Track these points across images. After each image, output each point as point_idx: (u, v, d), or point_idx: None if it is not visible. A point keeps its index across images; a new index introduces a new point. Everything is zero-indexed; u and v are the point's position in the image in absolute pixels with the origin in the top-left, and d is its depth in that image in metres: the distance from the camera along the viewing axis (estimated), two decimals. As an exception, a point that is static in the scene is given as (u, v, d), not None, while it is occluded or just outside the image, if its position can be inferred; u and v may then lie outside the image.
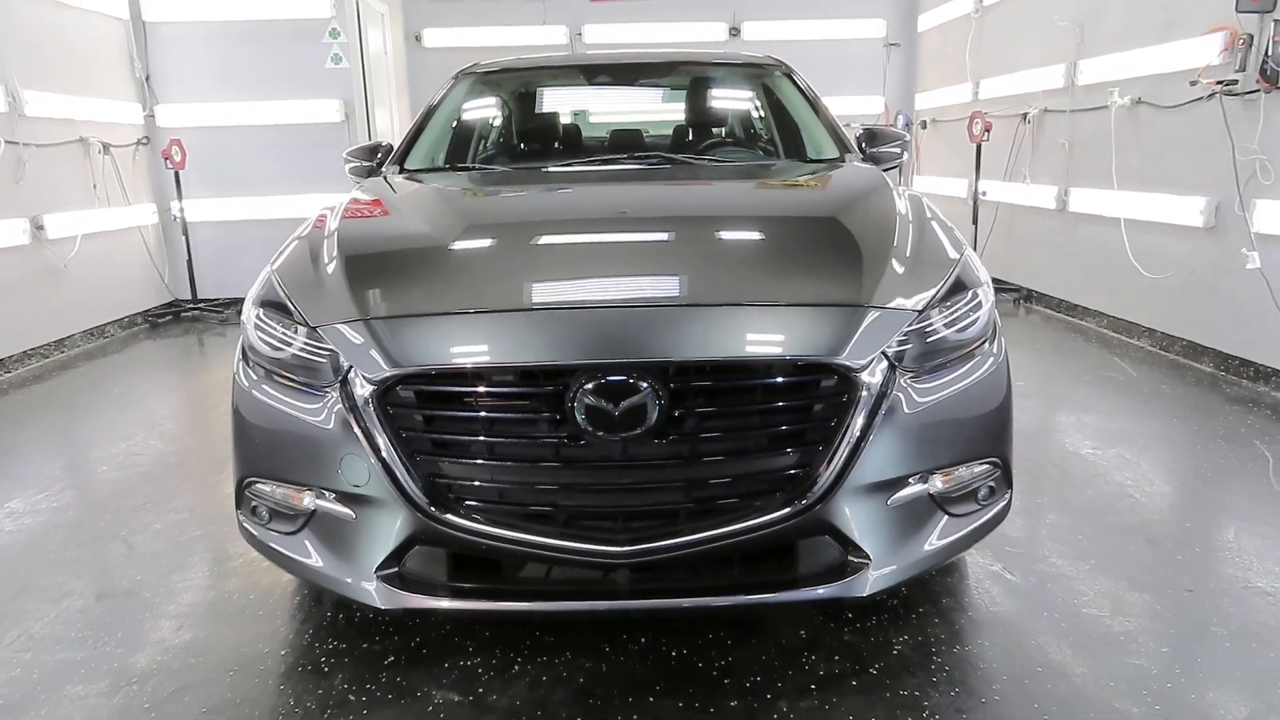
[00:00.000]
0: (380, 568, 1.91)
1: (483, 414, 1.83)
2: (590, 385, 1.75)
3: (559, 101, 4.21)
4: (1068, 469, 3.27)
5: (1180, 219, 4.66)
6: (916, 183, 8.69)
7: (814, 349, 1.83)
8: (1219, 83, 4.19)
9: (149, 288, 6.79)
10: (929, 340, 1.98)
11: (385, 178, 3.20)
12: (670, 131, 3.99)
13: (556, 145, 3.85)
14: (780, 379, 1.83)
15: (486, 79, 3.89)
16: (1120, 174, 5.18)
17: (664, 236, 2.36)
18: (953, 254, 2.25)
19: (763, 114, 4.00)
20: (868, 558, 1.90)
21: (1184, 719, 1.87)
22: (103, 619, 2.39)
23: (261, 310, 2.12)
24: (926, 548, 1.98)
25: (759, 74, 3.92)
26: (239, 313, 7.01)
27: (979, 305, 2.11)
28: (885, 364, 1.88)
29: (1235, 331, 4.35)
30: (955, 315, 2.05)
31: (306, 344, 1.98)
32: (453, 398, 1.84)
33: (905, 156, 3.59)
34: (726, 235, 2.35)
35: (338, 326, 1.94)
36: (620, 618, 2.22)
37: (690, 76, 3.96)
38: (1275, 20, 3.92)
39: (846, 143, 3.39)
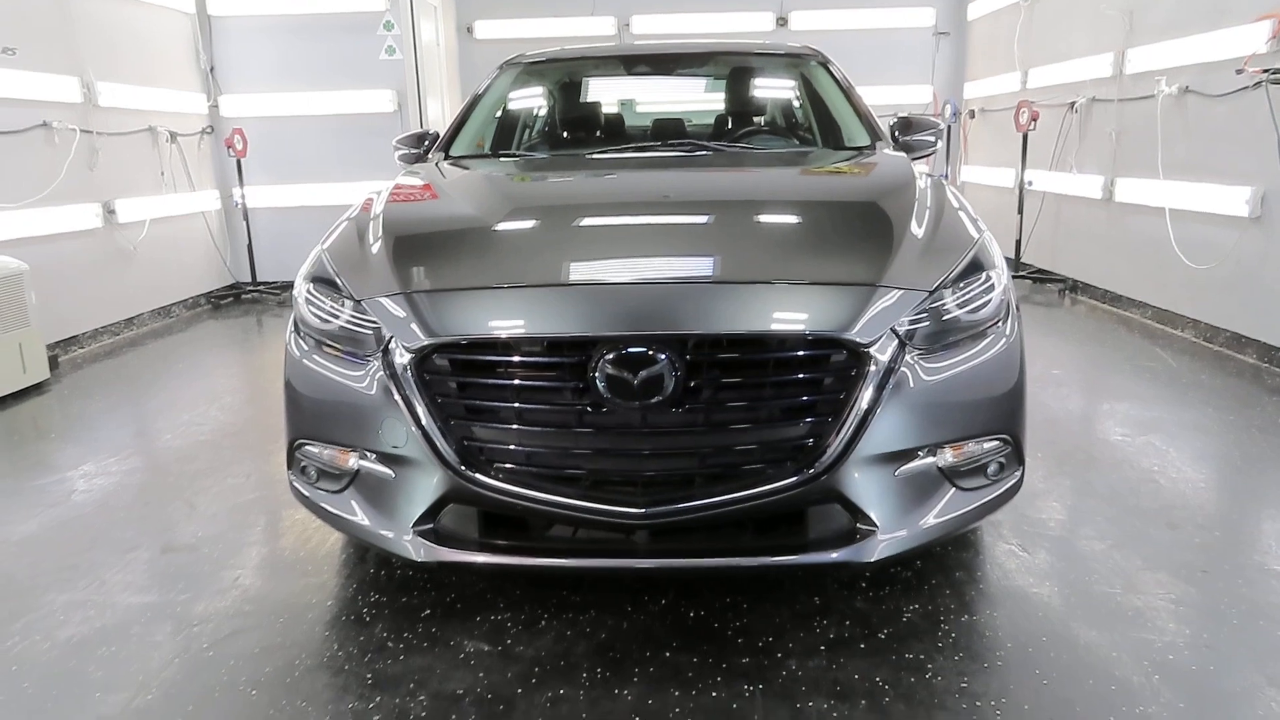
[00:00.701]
0: (417, 524, 2.05)
1: (511, 381, 1.96)
2: (611, 356, 1.87)
3: (600, 91, 4.32)
4: (1094, 454, 3.30)
5: (1225, 209, 4.61)
6: (964, 172, 8.63)
7: (825, 325, 1.92)
8: (1265, 71, 4.14)
9: (212, 270, 7.10)
10: (940, 319, 2.06)
11: (430, 164, 3.34)
12: (708, 120, 4.09)
13: (597, 133, 3.97)
14: (791, 353, 1.93)
15: (530, 69, 4.02)
16: (1166, 164, 5.13)
17: (689, 218, 2.47)
18: (969, 237, 2.32)
19: (798, 103, 4.07)
20: (875, 525, 1.99)
21: (1181, 688, 1.93)
22: (166, 570, 2.59)
23: (312, 285, 2.28)
24: (934, 519, 2.06)
25: (795, 64, 3.99)
26: (295, 295, 7.16)
27: (991, 287, 2.17)
28: (895, 341, 1.97)
29: (1279, 323, 4.30)
30: (968, 296, 2.12)
31: (352, 316, 2.13)
32: (484, 366, 1.97)
33: (939, 144, 3.65)
34: (750, 217, 2.45)
35: (380, 300, 2.09)
36: (639, 576, 2.35)
37: (728, 66, 4.05)
38: (1325, 7, 3.87)
39: (878, 131, 3.46)
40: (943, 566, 2.46)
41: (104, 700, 1.98)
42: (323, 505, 2.23)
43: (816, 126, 3.80)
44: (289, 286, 7.34)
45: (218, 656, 2.13)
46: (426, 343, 1.96)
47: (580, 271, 2.11)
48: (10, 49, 4.89)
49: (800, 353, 1.93)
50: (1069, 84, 6.34)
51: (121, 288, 5.91)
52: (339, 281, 2.23)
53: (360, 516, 2.15)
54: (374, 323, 2.08)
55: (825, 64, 3.88)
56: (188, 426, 3.89)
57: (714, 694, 1.95)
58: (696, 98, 4.49)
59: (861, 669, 2.03)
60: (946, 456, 2.07)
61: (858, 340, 1.91)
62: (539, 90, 4.14)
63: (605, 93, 4.32)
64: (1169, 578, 2.39)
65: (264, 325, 6.40)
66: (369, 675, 2.05)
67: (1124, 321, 5.56)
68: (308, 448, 2.25)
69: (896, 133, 3.53)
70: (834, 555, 1.99)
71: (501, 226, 2.45)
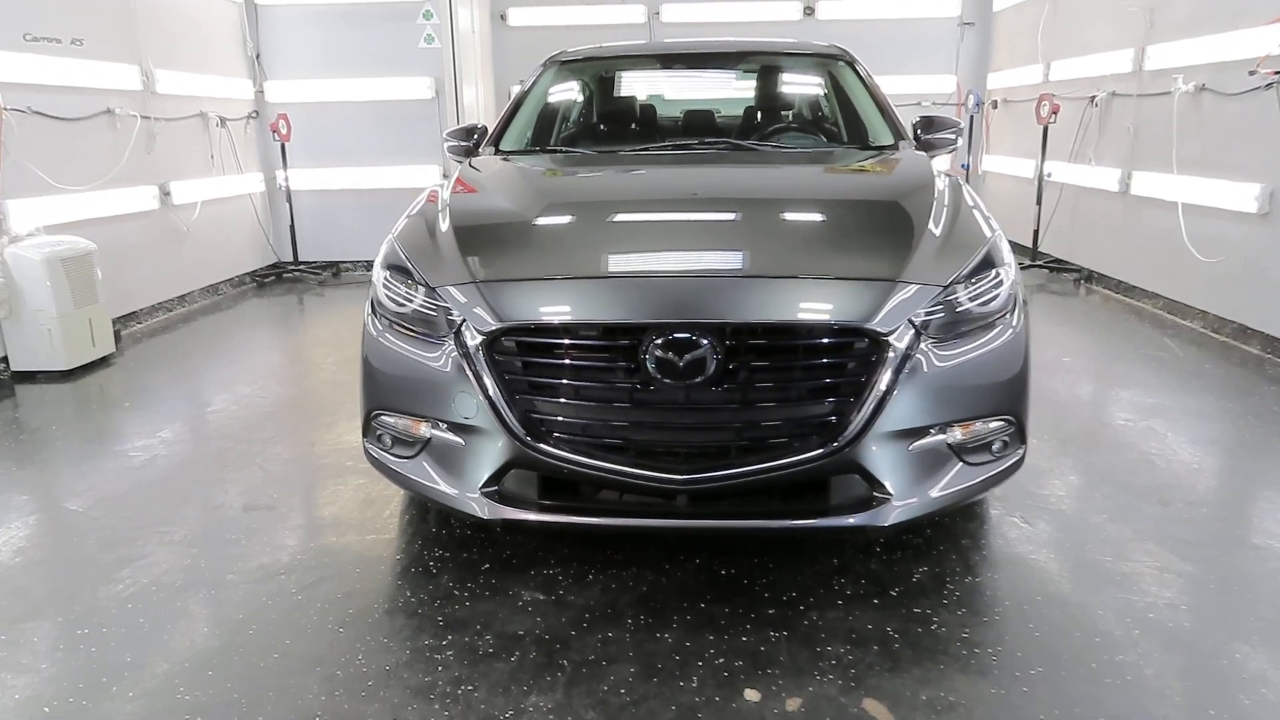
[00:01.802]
0: (484, 486, 2.33)
1: (570, 362, 2.22)
2: (660, 340, 2.13)
3: (636, 86, 4.56)
4: (1097, 436, 3.53)
5: (1235, 205, 4.79)
6: (986, 161, 8.79)
7: (849, 316, 2.17)
8: (1277, 72, 4.31)
9: (256, 250, 7.40)
10: (953, 311, 2.30)
11: (485, 158, 3.59)
12: (740, 113, 4.32)
13: (634, 126, 4.21)
14: (819, 340, 2.18)
15: (571, 65, 4.26)
16: (1180, 159, 5.30)
17: (726, 215, 2.71)
18: (982, 236, 2.55)
19: (825, 101, 4.29)
20: (890, 494, 2.25)
21: (1157, 641, 2.17)
22: (250, 526, 2.88)
23: (388, 272, 2.55)
24: (942, 490, 2.31)
25: (823, 63, 4.21)
26: (335, 274, 7.64)
27: (1000, 283, 2.41)
28: (912, 330, 2.21)
29: (1282, 315, 4.50)
30: (979, 290, 2.36)
31: (426, 301, 2.40)
32: (546, 348, 2.23)
33: (960, 142, 3.86)
34: (781, 214, 2.70)
35: (452, 288, 2.35)
36: (677, 536, 2.62)
37: (758, 64, 4.28)
38: (1334, 13, 4.04)
39: (901, 130, 3.67)
40: (950, 535, 2.72)
41: (212, 635, 2.27)
42: (396, 469, 2.50)
43: (843, 124, 4.02)
44: (329, 266, 7.66)
45: (306, 600, 2.43)
46: (496, 327, 2.22)
47: (629, 264, 2.36)
48: (79, 39, 5.17)
49: (826, 340, 2.18)
50: (1090, 78, 6.50)
51: (176, 266, 6.23)
52: (413, 270, 2.49)
53: (431, 479, 2.42)
54: (447, 308, 2.34)
55: (852, 63, 4.09)
56: (251, 399, 4.19)
57: (744, 639, 2.22)
58: (728, 94, 4.71)
59: (875, 620, 2.29)
60: (955, 434, 2.32)
61: (878, 330, 2.16)
62: (579, 86, 4.38)
63: (641, 88, 4.56)
64: (1156, 548, 2.64)
65: (305, 304, 6.70)
66: (440, 618, 2.33)
67: (1136, 311, 5.75)
68: (384, 417, 2.52)
69: (919, 131, 3.74)
70: (852, 520, 2.25)
71: (555, 222, 2.71)
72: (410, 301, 2.45)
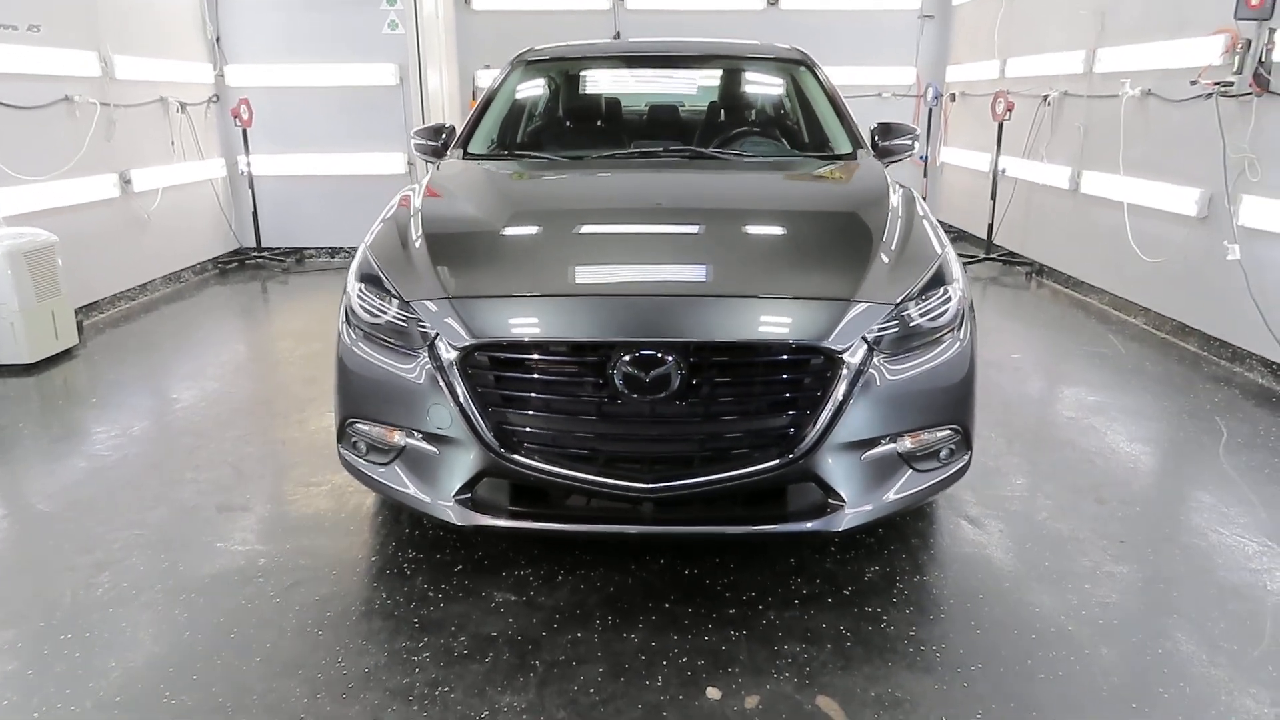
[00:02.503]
0: (457, 493, 2.42)
1: (541, 376, 2.32)
2: (627, 357, 2.23)
3: (601, 86, 4.62)
4: (1042, 435, 3.72)
5: (1177, 208, 5.00)
6: (944, 153, 8.97)
7: (805, 334, 2.29)
8: (1216, 83, 4.50)
9: (218, 236, 7.35)
10: (904, 327, 2.43)
11: (453, 162, 3.64)
12: (703, 111, 4.42)
13: (599, 125, 4.28)
14: (777, 357, 2.30)
15: (537, 65, 4.32)
16: (1126, 161, 5.50)
17: (690, 232, 2.81)
18: (933, 252, 2.69)
19: (786, 105, 4.40)
20: (843, 501, 2.38)
21: (1087, 636, 2.34)
22: (225, 527, 2.95)
23: (362, 284, 2.62)
24: (893, 495, 2.46)
25: (785, 67, 4.32)
26: (299, 261, 7.61)
27: (948, 299, 2.55)
28: (865, 347, 2.34)
29: (1217, 315, 4.72)
30: (928, 307, 2.50)
31: (401, 314, 2.47)
32: (519, 363, 2.33)
33: (916, 148, 4.00)
34: (741, 232, 2.81)
35: (426, 302, 2.43)
36: (644, 540, 2.74)
37: (721, 67, 4.38)
38: (1271, 28, 4.22)
39: (859, 138, 3.80)
40: (901, 534, 2.87)
41: (194, 639, 2.35)
42: (371, 475, 2.58)
43: (804, 128, 4.13)
44: (292, 252, 7.64)
45: (284, 603, 2.51)
46: (469, 343, 2.31)
47: (597, 281, 2.46)
48: (35, 25, 5.09)
49: (784, 357, 2.30)
50: (1044, 77, 6.67)
51: (137, 255, 6.18)
52: (386, 281, 2.56)
53: (406, 485, 2.51)
54: (420, 320, 2.42)
55: (811, 67, 4.20)
56: (219, 394, 4.22)
57: (706, 638, 2.35)
58: (691, 94, 4.80)
59: (829, 619, 2.43)
60: (905, 443, 2.46)
61: (833, 347, 2.28)
62: (545, 85, 4.44)
63: (606, 88, 4.62)
64: (1091, 547, 2.82)
65: (269, 292, 6.69)
66: (416, 620, 2.43)
67: (1083, 306, 5.97)
68: (358, 425, 2.60)
69: (876, 137, 3.87)
70: (808, 525, 2.38)
71: (524, 233, 2.80)
72: (384, 313, 2.52)
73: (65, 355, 4.83)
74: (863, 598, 2.54)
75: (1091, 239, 6.06)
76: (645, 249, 2.74)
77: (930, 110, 8.87)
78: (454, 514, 2.42)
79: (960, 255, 7.56)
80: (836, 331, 2.31)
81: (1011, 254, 7.28)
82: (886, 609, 2.48)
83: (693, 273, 2.53)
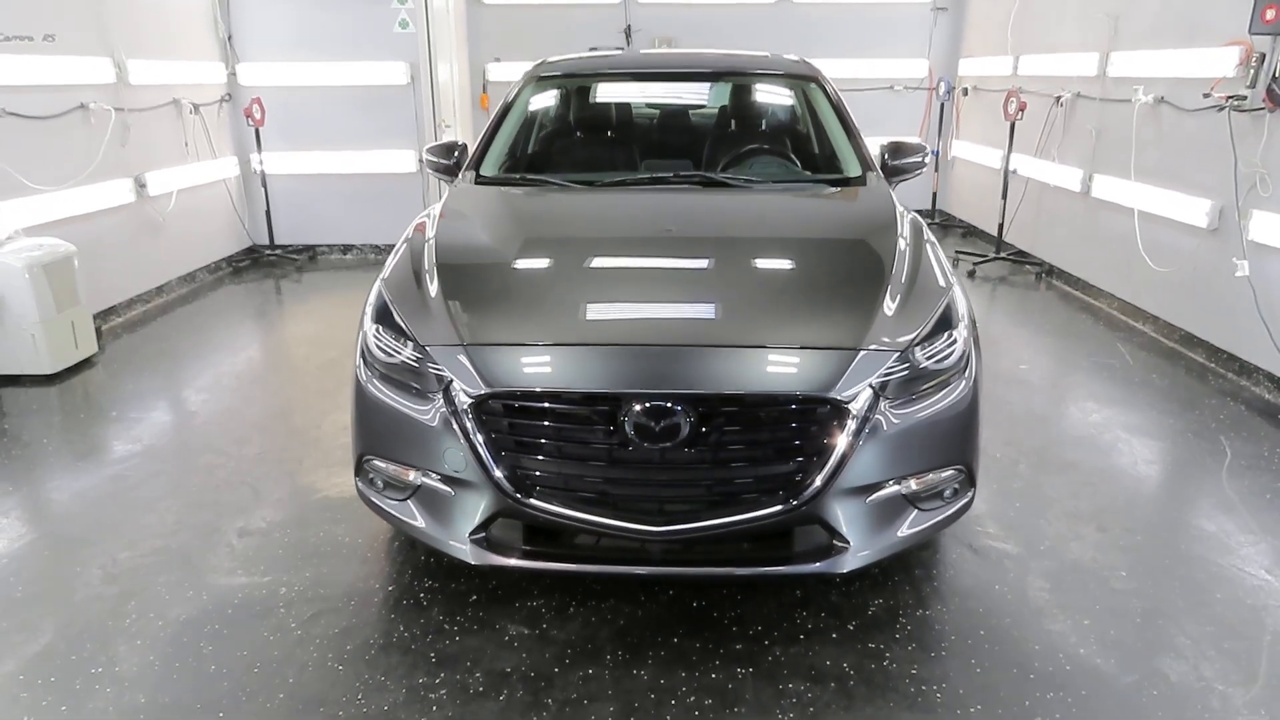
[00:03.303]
0: (472, 533, 2.49)
1: (555, 424, 2.38)
2: (638, 408, 2.29)
3: (613, 102, 4.65)
4: (1046, 457, 3.76)
5: (1187, 218, 5.00)
6: (955, 147, 8.93)
7: (812, 386, 2.34)
8: (1229, 97, 4.49)
9: (231, 235, 7.41)
10: (910, 371, 2.48)
11: (466, 188, 3.67)
12: (714, 124, 4.46)
13: (610, 141, 4.31)
14: (784, 407, 2.35)
15: (550, 80, 4.35)
16: (1138, 167, 5.49)
17: (699, 271, 2.85)
18: (940, 291, 2.72)
19: (796, 122, 4.42)
20: (848, 543, 2.44)
21: (1083, 677, 2.40)
22: (245, 553, 3.03)
23: (378, 326, 2.67)
24: (898, 535, 2.51)
25: (794, 83, 4.33)
26: (311, 258, 7.68)
27: (954, 341, 2.59)
28: (871, 393, 2.39)
29: (1225, 328, 4.74)
30: (934, 350, 2.54)
31: (416, 357, 2.53)
32: (533, 411, 2.38)
33: (926, 165, 4.01)
34: (749, 271, 2.85)
35: (441, 348, 2.49)
36: (654, 580, 2.80)
37: (732, 83, 4.40)
38: (1285, 43, 4.21)
39: (868, 159, 3.82)
40: (905, 565, 2.93)
41: (219, 674, 2.43)
42: (387, 510, 2.66)
43: (814, 148, 4.16)
44: (305, 250, 7.70)
45: (305, 636, 2.59)
46: (484, 392, 2.37)
47: (614, 333, 2.50)
48: (50, 35, 5.13)
49: (791, 407, 2.35)
50: (1057, 77, 6.64)
51: (153, 258, 6.25)
52: (402, 324, 2.62)
53: (421, 522, 2.58)
54: (436, 364, 2.48)
55: (822, 85, 4.21)
56: (235, 408, 4.30)
57: (713, 675, 2.42)
58: (703, 106, 4.82)
59: (833, 656, 2.50)
60: (910, 485, 2.51)
61: (838, 398, 2.33)
62: (558, 102, 4.47)
63: (617, 103, 4.66)
64: (1091, 578, 2.87)
65: (283, 293, 6.76)
66: (432, 654, 2.51)
67: (1091, 311, 5.98)
68: (375, 462, 2.67)
69: (886, 157, 3.89)
70: (814, 567, 2.44)
71: (536, 274, 2.85)
72: (399, 354, 2.58)
73: (85, 364, 4.92)
74: (866, 633, 2.60)
75: (1101, 243, 6.06)
76: (655, 288, 2.79)
77: (942, 104, 8.83)
78: (470, 554, 2.49)
79: (971, 254, 7.58)
80: (842, 381, 2.35)
81: (1021, 253, 7.28)
82: (889, 645, 2.55)
83: (702, 320, 2.58)
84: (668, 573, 2.52)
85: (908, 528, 2.53)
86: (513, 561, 2.49)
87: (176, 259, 6.57)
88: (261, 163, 7.34)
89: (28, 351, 4.61)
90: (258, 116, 7.07)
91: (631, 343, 2.45)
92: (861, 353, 2.42)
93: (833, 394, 2.33)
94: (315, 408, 4.30)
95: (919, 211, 9.05)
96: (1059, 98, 6.53)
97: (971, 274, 7.03)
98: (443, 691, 2.36)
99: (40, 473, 3.64)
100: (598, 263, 2.95)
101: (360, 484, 2.74)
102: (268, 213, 7.48)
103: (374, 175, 7.57)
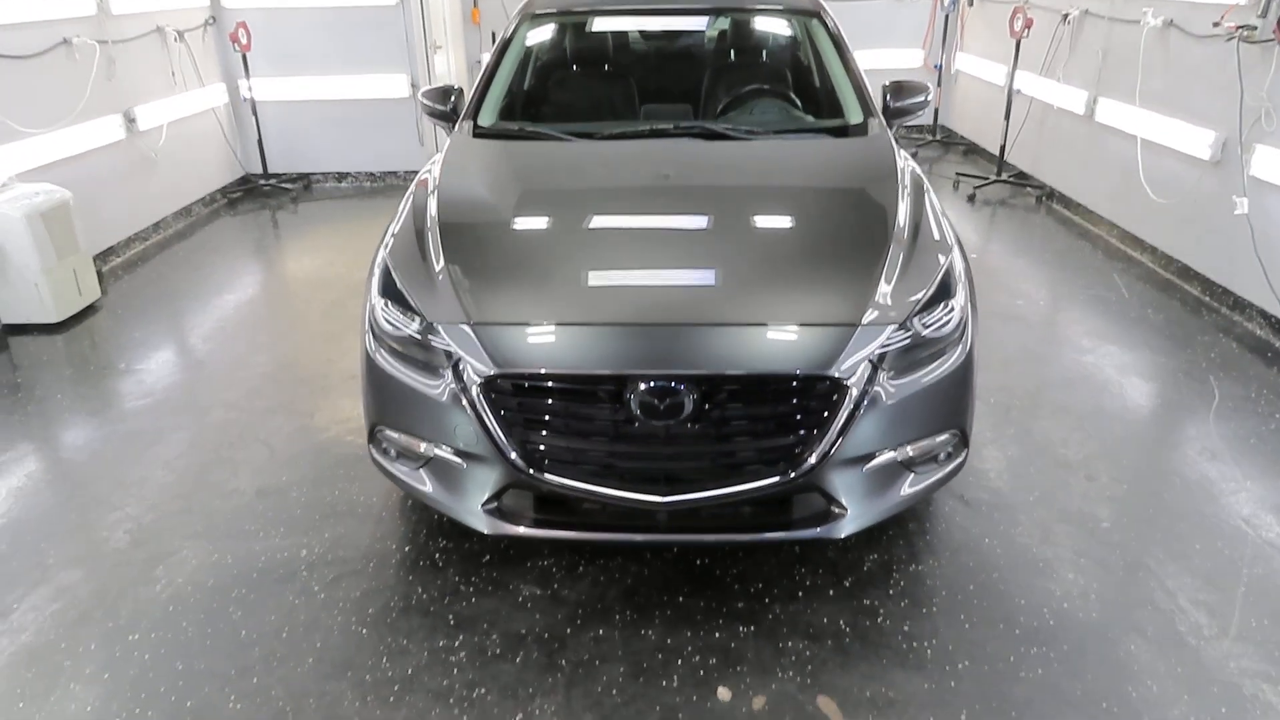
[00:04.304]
0: (485, 503, 2.59)
1: (563, 402, 2.45)
2: (643, 387, 2.35)
3: (609, 42, 4.55)
4: (1039, 399, 3.85)
5: (1190, 149, 4.95)
6: (959, 60, 8.72)
7: (811, 364, 2.40)
8: (1239, 27, 4.39)
9: (224, 165, 7.32)
10: (907, 341, 2.53)
11: (463, 141, 3.63)
12: (714, 64, 4.37)
13: (607, 83, 4.24)
14: (783, 385, 2.42)
15: (544, 18, 4.25)
16: (1143, 93, 5.41)
17: (702, 251, 2.83)
18: (938, 259, 2.75)
19: (797, 60, 4.33)
20: (845, 509, 2.55)
21: (1066, 632, 2.55)
22: (265, 514, 3.15)
23: (385, 301, 2.71)
24: (893, 499, 2.62)
25: (795, 18, 4.23)
26: (306, 187, 7.61)
27: (952, 310, 2.63)
28: (869, 366, 2.45)
29: (1222, 263, 4.77)
30: (932, 319, 2.59)
31: (424, 334, 2.57)
32: (541, 390, 2.45)
33: (928, 106, 3.97)
34: (749, 246, 2.84)
35: (449, 326, 2.53)
36: (660, 546, 2.93)
37: (732, 18, 4.30)
38: (1299, -28, 4.09)
39: (869, 103, 3.77)
40: (899, 518, 3.05)
41: (249, 639, 2.58)
42: (401, 478, 2.75)
43: (815, 87, 4.09)
44: (300, 179, 7.61)
45: (329, 599, 2.73)
46: (494, 372, 2.43)
47: (618, 313, 2.53)
48: (25, -31, 4.96)
49: (790, 384, 2.42)
50: (1065, -8, 6.45)
51: (147, 194, 6.20)
52: (409, 298, 2.66)
53: (435, 492, 2.67)
54: (445, 342, 2.53)
55: (823, 19, 4.12)
56: (243, 357, 4.36)
57: (717, 634, 2.57)
58: (702, 44, 4.71)
59: (830, 613, 2.65)
60: (907, 451, 2.60)
61: (837, 375, 2.40)
62: (553, 42, 4.38)
63: (614, 43, 4.56)
64: (1076, 530, 3.00)
65: (280, 225, 6.73)
66: (450, 616, 2.65)
67: (1090, 238, 5.99)
68: (387, 432, 2.75)
69: (888, 98, 3.84)
70: (812, 532, 2.55)
71: (539, 244, 2.86)
72: (407, 328, 2.63)
73: (90, 310, 4.95)
74: (861, 589, 2.74)
75: (1103, 169, 6.01)
76: (657, 255, 2.81)
77: (946, 15, 8.57)
78: (483, 523, 2.59)
79: (972, 175, 7.51)
80: (841, 358, 2.41)
81: (1022, 175, 7.22)
82: (883, 602, 2.69)
83: (704, 294, 2.62)
84: (673, 539, 2.64)
85: (903, 491, 2.63)
86: (525, 530, 2.60)
87: (171, 194, 6.51)
88: (250, 89, 7.18)
89: (33, 301, 4.64)
90: (244, 41, 6.88)
91: (636, 322, 2.50)
92: (860, 328, 2.47)
93: (831, 371, 2.40)
94: (321, 355, 4.36)
95: (920, 127, 8.89)
96: (1066, 15, 6.36)
97: (972, 198, 6.99)
98: (462, 654, 2.51)
99: (57, 430, 3.73)
100: (599, 225, 2.96)
101: (374, 451, 2.83)
102: (259, 141, 7.37)
103: (366, 100, 7.42)
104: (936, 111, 9.05)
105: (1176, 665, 2.44)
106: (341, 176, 7.76)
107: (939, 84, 8.88)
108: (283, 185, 7.47)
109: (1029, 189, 7.04)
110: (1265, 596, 2.68)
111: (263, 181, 7.46)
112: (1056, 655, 2.48)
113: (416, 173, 7.72)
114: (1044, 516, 3.07)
